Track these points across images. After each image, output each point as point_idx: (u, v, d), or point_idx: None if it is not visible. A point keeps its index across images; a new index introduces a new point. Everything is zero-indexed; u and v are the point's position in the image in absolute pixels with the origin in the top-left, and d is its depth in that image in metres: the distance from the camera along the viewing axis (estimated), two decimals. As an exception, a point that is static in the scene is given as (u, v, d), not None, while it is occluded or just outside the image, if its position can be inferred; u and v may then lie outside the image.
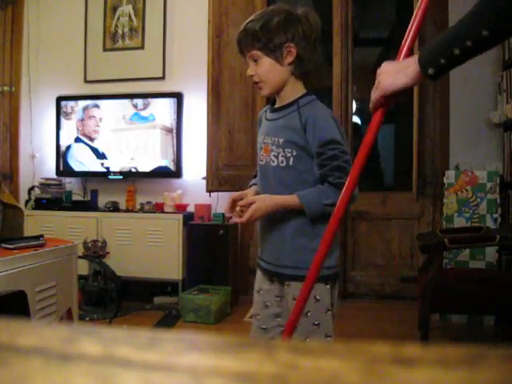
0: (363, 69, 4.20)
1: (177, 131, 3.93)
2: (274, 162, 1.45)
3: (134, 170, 4.01)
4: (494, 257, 3.15)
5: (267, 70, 1.43)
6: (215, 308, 3.18)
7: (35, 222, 3.73)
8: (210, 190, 3.60)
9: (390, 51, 5.14)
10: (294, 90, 1.47)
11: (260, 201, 1.42)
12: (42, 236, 2.14)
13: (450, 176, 3.41)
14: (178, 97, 3.94)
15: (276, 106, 1.50)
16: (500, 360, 0.23)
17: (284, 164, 1.43)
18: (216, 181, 3.61)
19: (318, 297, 1.42)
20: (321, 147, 1.38)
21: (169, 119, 3.94)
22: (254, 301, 1.58)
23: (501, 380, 0.21)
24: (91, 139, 4.10)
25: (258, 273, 1.58)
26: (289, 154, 1.42)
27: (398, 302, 3.66)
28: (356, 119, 4.66)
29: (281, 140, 1.43)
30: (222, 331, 3.04)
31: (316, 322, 1.44)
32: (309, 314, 1.41)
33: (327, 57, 3.71)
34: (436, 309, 2.68)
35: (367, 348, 0.24)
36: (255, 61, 1.44)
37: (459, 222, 3.30)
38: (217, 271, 3.55)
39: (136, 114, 4.00)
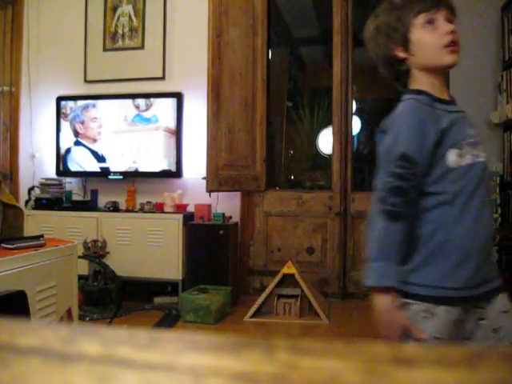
0: (363, 69, 4.20)
1: (177, 131, 3.92)
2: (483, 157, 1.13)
3: (134, 170, 4.01)
4: (493, 257, 3.15)
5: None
6: (215, 308, 3.18)
7: (35, 222, 3.73)
8: (209, 190, 3.60)
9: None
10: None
11: None
12: (42, 236, 2.14)
13: (450, 176, 3.40)
14: (178, 97, 3.94)
15: (444, 97, 1.17)
16: (500, 360, 0.23)
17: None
18: (216, 181, 3.61)
19: None
20: None
21: (172, 121, 3.93)
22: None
23: (501, 380, 0.21)
24: (91, 141, 4.09)
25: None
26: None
27: (398, 302, 3.66)
28: (356, 119, 4.66)
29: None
30: (222, 331, 3.04)
31: None
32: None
33: (327, 57, 3.71)
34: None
35: (367, 348, 0.24)
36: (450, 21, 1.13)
37: (459, 222, 3.29)
38: (217, 271, 3.55)
39: (138, 115, 3.99)
